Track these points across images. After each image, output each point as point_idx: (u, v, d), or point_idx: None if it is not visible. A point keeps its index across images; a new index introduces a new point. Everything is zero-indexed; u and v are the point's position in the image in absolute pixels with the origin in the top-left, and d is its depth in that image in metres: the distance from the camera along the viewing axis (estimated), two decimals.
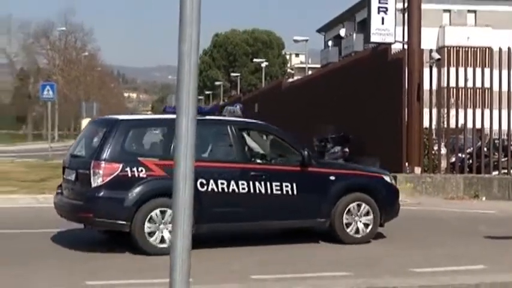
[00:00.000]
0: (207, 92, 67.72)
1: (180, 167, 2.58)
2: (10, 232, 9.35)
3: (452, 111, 15.95)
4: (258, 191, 8.85)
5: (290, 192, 8.95)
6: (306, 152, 9.07)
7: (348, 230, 9.13)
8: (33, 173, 19.90)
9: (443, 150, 16.37)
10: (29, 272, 6.89)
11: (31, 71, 60.60)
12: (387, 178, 10.22)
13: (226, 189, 8.53)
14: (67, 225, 8.91)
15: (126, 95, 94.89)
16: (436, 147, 16.34)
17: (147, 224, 8.26)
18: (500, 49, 15.92)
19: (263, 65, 56.55)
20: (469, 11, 40.76)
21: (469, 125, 16.13)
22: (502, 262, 7.84)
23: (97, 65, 68.55)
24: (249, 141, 9.63)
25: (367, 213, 9.29)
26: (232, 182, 8.60)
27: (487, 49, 16.66)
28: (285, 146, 9.66)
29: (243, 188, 8.63)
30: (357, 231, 9.15)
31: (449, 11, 40.56)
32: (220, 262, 7.60)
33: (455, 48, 19.95)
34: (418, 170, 15.43)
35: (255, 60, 61.77)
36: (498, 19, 38.01)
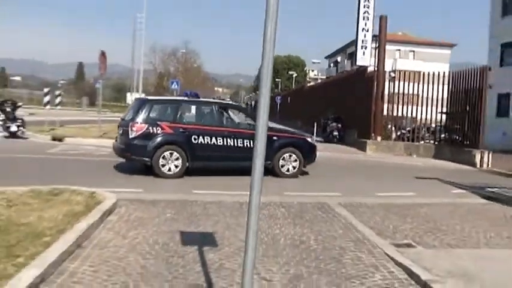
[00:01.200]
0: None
1: (259, 129, 3.40)
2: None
3: (399, 106, 22.55)
4: (229, 144, 12.24)
5: (249, 145, 12.13)
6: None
7: (283, 170, 12.81)
8: None
9: (393, 128, 22.94)
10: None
11: (165, 74, 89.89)
12: (309, 139, 13.91)
13: (209, 142, 12.11)
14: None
15: (215, 89, 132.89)
16: (389, 126, 23.01)
17: (161, 160, 11.72)
18: (428, 73, 22.62)
19: (294, 75, 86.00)
20: (410, 50, 56.72)
21: (408, 114, 22.80)
22: (425, 191, 11.45)
23: (201, 71, 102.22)
24: (226, 114, 13.18)
25: (295, 160, 12.93)
26: (213, 138, 12.13)
27: (420, 72, 23.17)
28: (248, 118, 13.43)
29: (220, 142, 12.17)
30: (288, 170, 12.88)
31: (399, 50, 59.94)
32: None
33: (403, 71, 24.24)
34: (379, 138, 22.15)
35: (289, 72, 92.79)
36: (427, 56, 53.09)
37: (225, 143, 12.27)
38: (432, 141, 23.02)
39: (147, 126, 11.80)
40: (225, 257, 5.80)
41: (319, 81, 58.60)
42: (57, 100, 24.83)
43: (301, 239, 6.88)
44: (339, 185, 12.43)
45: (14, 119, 19.90)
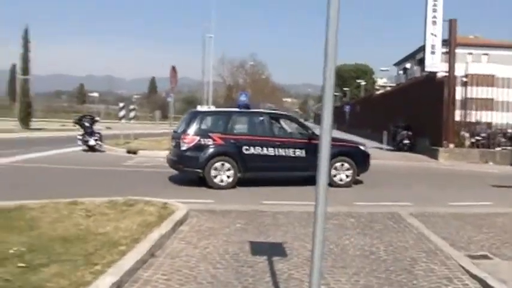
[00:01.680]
0: None
1: (323, 139, 3.47)
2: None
3: (473, 112, 22.05)
4: (280, 154, 12.24)
5: (301, 155, 12.27)
6: (311, 131, 12.76)
7: (335, 179, 12.55)
8: None
9: (467, 134, 22.12)
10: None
11: (234, 85, 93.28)
12: (362, 147, 13.64)
13: (260, 152, 12.13)
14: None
15: (284, 99, 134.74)
16: (462, 133, 22.18)
17: (212, 171, 11.82)
18: (501, 76, 22.41)
19: (362, 84, 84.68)
20: (483, 53, 55.12)
21: (483, 120, 22.17)
22: (502, 200, 10.93)
23: (269, 82, 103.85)
24: (277, 124, 13.25)
25: (347, 169, 12.76)
26: (264, 148, 12.16)
27: (493, 76, 22.66)
28: (300, 127, 13.34)
29: (271, 152, 12.19)
30: (341, 179, 12.69)
31: (471, 53, 57.77)
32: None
33: (475, 75, 23.66)
34: (452, 145, 21.40)
35: (357, 80, 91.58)
36: (502, 59, 51.32)
37: (277, 153, 12.26)
38: (509, 148, 22.05)
39: (198, 138, 11.97)
40: (293, 267, 5.83)
41: (388, 88, 57.48)
42: (132, 114, 25.77)
43: (371, 249, 6.80)
44: (410, 194, 12.18)
45: (92, 133, 20.85)
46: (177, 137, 12.42)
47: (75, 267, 5.13)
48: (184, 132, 12.13)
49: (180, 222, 7.76)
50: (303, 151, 12.37)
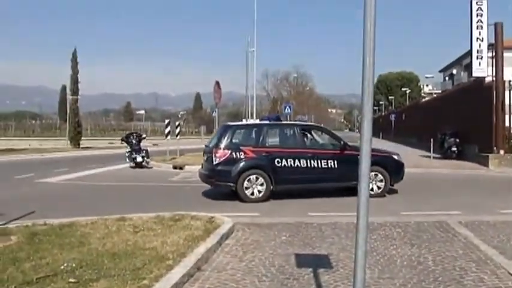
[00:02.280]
0: (375, 108, 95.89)
1: (363, 149, 3.50)
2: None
3: None
4: (312, 166, 12.14)
5: (333, 166, 12.23)
6: (343, 142, 12.71)
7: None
8: None
9: None
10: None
11: (278, 98, 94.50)
12: (395, 157, 13.49)
13: (292, 165, 12.09)
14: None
15: (329, 110, 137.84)
16: None
17: (245, 184, 11.82)
18: None
19: (407, 91, 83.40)
20: None
21: None
22: None
23: (313, 94, 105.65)
24: (309, 135, 13.16)
25: (380, 180, 12.55)
26: (296, 160, 12.10)
27: None
28: (331, 138, 13.36)
29: (303, 164, 12.09)
30: (372, 190, 12.14)
31: None
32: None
33: None
34: (502, 151, 20.93)
35: (402, 89, 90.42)
36: None
37: (309, 165, 12.16)
38: None
39: (230, 151, 11.98)
40: (339, 279, 5.80)
41: (434, 95, 56.50)
42: (177, 130, 26.20)
43: (418, 259, 6.70)
44: (459, 203, 11.87)
45: (139, 150, 21.32)
46: (208, 152, 12.48)
47: (124, 282, 5.26)
48: (216, 146, 12.18)
49: (226, 236, 7.84)
50: (335, 162, 12.34)
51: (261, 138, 12.39)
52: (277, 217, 9.79)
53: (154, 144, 35.18)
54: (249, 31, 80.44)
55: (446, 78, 77.25)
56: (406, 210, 10.70)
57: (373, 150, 11.67)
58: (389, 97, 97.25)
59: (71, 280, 5.29)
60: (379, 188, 12.64)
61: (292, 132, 12.95)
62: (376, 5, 3.44)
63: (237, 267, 6.31)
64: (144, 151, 21.48)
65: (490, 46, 22.46)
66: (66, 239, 7.18)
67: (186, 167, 20.75)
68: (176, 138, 26.13)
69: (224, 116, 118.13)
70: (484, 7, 22.28)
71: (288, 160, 12.11)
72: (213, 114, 26.64)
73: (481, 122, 22.04)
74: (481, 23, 22.27)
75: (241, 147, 12.09)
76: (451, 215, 9.91)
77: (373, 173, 12.36)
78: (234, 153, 11.96)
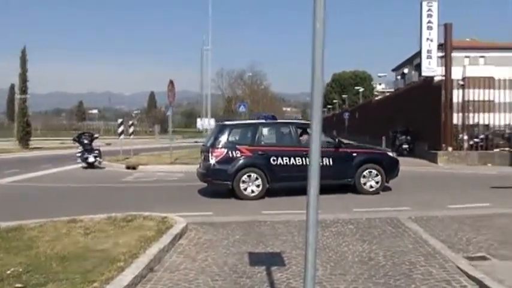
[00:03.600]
0: (329, 107, 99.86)
1: (313, 147, 3.54)
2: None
3: (470, 114, 21.71)
4: (306, 164, 15.01)
5: (328, 163, 12.15)
6: (337, 140, 13.14)
7: (365, 187, 12.69)
8: None
9: (466, 137, 21.87)
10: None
11: (233, 97, 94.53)
12: (390, 153, 13.96)
13: (288, 163, 12.22)
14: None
15: (284, 109, 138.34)
16: (461, 135, 21.99)
17: (241, 183, 11.97)
18: (497, 78, 22.18)
19: (360, 90, 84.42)
20: (480, 56, 54.61)
21: (481, 122, 21.81)
22: (500, 202, 10.91)
23: (268, 92, 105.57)
24: (303, 133, 13.00)
25: (376, 176, 12.75)
26: (291, 158, 12.22)
27: (491, 78, 22.37)
28: (326, 136, 12.98)
29: (298, 162, 12.18)
30: (370, 187, 12.73)
31: (468, 56, 57.76)
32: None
33: (472, 78, 23.58)
34: (450, 148, 21.35)
35: (356, 87, 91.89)
36: (499, 60, 51.22)
37: (304, 163, 12.08)
38: (508, 149, 21.95)
39: (226, 150, 12.06)
40: (292, 276, 5.84)
41: (387, 94, 57.73)
42: (131, 130, 25.82)
43: (369, 255, 6.81)
44: (409, 199, 12.12)
45: (91, 150, 20.89)
46: (205, 151, 12.54)
47: (73, 286, 5.15)
48: (212, 145, 12.26)
49: (179, 236, 7.78)
50: (330, 159, 12.41)
51: (256, 137, 12.49)
52: (231, 216, 9.77)
53: (107, 144, 34.56)
54: (204, 29, 79.97)
55: (398, 77, 79.22)
56: (357, 207, 10.84)
57: (367, 147, 12.80)
58: (343, 96, 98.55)
59: (18, 285, 5.14)
60: (376, 183, 12.86)
61: (287, 130, 13.03)
62: (326, 5, 3.46)
63: (190, 267, 6.27)
64: (96, 151, 21.06)
65: (440, 46, 22.96)
66: (13, 243, 6.97)
67: (140, 166, 20.48)
68: (130, 138, 25.74)
69: (179, 115, 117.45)
70: (434, 8, 22.74)
71: (284, 158, 12.23)
72: (167, 114, 26.33)
73: (431, 120, 22.50)
74: (431, 24, 22.69)
75: (237, 146, 12.18)
76: (401, 211, 10.10)
77: (368, 171, 12.75)
78: (230, 152, 12.07)
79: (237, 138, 12.55)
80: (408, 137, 24.45)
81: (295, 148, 12.41)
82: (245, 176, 12.02)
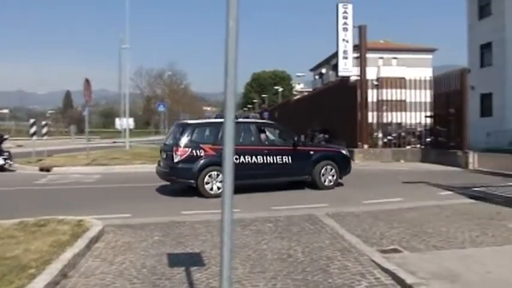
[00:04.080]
0: (248, 106, 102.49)
1: (226, 148, 3.50)
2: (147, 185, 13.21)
3: (384, 113, 23.14)
4: (268, 161, 12.81)
5: (288, 161, 12.95)
6: (296, 138, 13.82)
7: (325, 183, 13.44)
8: (154, 152, 25.47)
9: (380, 135, 23.29)
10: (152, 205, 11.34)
11: (153, 96, 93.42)
12: (344, 151, 14.57)
13: (250, 161, 12.62)
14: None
15: (204, 108, 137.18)
16: (376, 134, 23.34)
17: (205, 181, 12.17)
18: (410, 78, 23.25)
19: (279, 90, 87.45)
20: (393, 57, 56.97)
21: (394, 120, 23.26)
22: (412, 196, 11.56)
23: (188, 91, 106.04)
24: (262, 132, 13.71)
25: (332, 173, 13.58)
26: (253, 156, 12.66)
27: (403, 79, 23.96)
28: (285, 135, 14.18)
29: (260, 160, 12.71)
30: (329, 181, 13.48)
31: (382, 57, 60.27)
32: (252, 201, 11.26)
33: (385, 78, 25.79)
34: (366, 146, 22.48)
35: (275, 87, 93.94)
36: (410, 62, 53.76)
37: (265, 161, 12.77)
38: (419, 146, 23.22)
39: (190, 149, 12.25)
40: (211, 276, 5.82)
41: (305, 94, 59.08)
42: (44, 130, 24.78)
43: (288, 252, 6.90)
44: (326, 195, 12.44)
45: (1, 152, 19.81)
46: (168, 149, 12.67)
47: None
48: (176, 144, 12.37)
49: (96, 239, 7.55)
50: (289, 157, 13.05)
51: (219, 136, 12.27)
52: (150, 217, 9.58)
53: (18, 146, 33.00)
54: (122, 28, 78.10)
55: (316, 77, 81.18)
56: (276, 205, 10.98)
57: (326, 146, 14.28)
58: (263, 95, 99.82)
59: None
60: (333, 176, 13.62)
61: (248, 129, 13.29)
62: (240, 3, 3.46)
63: (106, 271, 6.09)
64: (6, 153, 19.98)
65: (355, 47, 23.89)
66: None
67: (54, 168, 19.70)
68: (43, 139, 24.70)
69: (97, 115, 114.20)
70: (350, 10, 23.66)
71: (246, 157, 12.54)
72: (84, 113, 25.51)
73: (348, 118, 23.24)
74: (346, 25, 23.71)
75: (200, 145, 12.37)
76: (319, 208, 10.33)
77: (325, 167, 13.53)
78: (194, 151, 12.25)
79: (200, 137, 12.73)
80: (326, 136, 24.93)
81: (257, 147, 12.92)
82: (209, 174, 12.21)
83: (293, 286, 5.55)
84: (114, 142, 46.97)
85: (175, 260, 6.51)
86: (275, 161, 12.94)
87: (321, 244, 7.31)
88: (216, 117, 14.30)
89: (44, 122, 25.47)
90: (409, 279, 5.45)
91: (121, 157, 24.36)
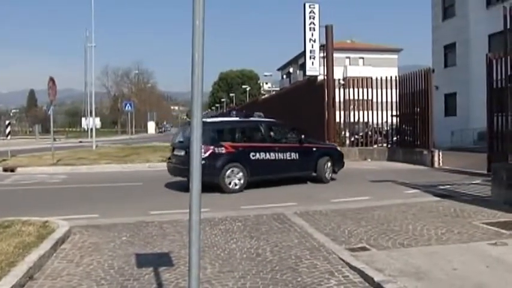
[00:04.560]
0: (216, 105, 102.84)
1: (194, 146, 3.47)
2: (118, 185, 15.08)
3: (352, 113, 23.36)
4: (280, 158, 13.71)
5: (295, 158, 13.97)
6: (302, 136, 14.61)
7: (327, 176, 14.67)
8: (121, 152, 27.15)
9: (347, 134, 23.66)
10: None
11: (119, 95, 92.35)
12: (338, 148, 16.18)
13: (264, 158, 13.48)
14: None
15: (171, 107, 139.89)
16: (343, 133, 23.72)
17: (226, 177, 12.81)
18: (376, 78, 23.42)
19: (247, 89, 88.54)
20: (359, 57, 57.46)
21: (361, 119, 23.41)
22: (379, 194, 11.66)
23: (155, 91, 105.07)
24: (272, 131, 14.65)
25: (330, 167, 14.69)
26: (267, 153, 13.54)
27: (369, 78, 23.85)
28: (291, 133, 15.04)
29: (272, 156, 13.59)
30: (328, 176, 14.67)
31: (349, 57, 60.16)
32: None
33: (352, 78, 25.63)
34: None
35: (243, 86, 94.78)
36: (376, 61, 54.56)
37: (276, 157, 13.65)
38: (385, 145, 23.52)
39: (213, 147, 12.76)
40: (180, 276, 5.78)
41: (273, 93, 59.33)
42: (8, 130, 24.26)
43: (257, 251, 6.91)
44: (295, 194, 12.52)
45: None
46: (182, 147, 13.20)
47: None
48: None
49: (62, 240, 7.42)
50: (297, 154, 14.09)
51: (237, 134, 13.56)
52: (117, 217, 9.47)
53: None
54: (87, 25, 76.96)
55: (284, 76, 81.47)
56: (245, 204, 10.99)
57: (322, 143, 17.02)
58: (231, 94, 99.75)
59: None
60: (329, 175, 14.85)
61: (260, 128, 14.16)
62: (206, 3, 3.47)
63: (73, 273, 6.00)
64: None
65: (322, 47, 24.08)
66: None
67: (19, 169, 19.31)
68: (7, 139, 24.16)
69: (62, 114, 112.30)
70: (316, 10, 23.82)
71: (261, 153, 13.39)
72: (49, 113, 25.04)
73: (315, 117, 23.43)
74: (313, 25, 23.87)
75: (222, 143, 12.98)
76: (287, 207, 10.36)
77: (328, 163, 14.75)
78: (216, 149, 12.78)
79: (220, 135, 13.38)
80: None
81: (269, 144, 13.75)
82: (230, 171, 12.83)
83: (262, 285, 5.55)
84: (81, 142, 46.25)
85: (143, 261, 6.45)
86: (285, 157, 13.85)
87: (290, 243, 7.33)
88: (232, 115, 15.21)
89: (7, 122, 24.93)
90: (377, 277, 5.52)
91: (87, 157, 24.09)
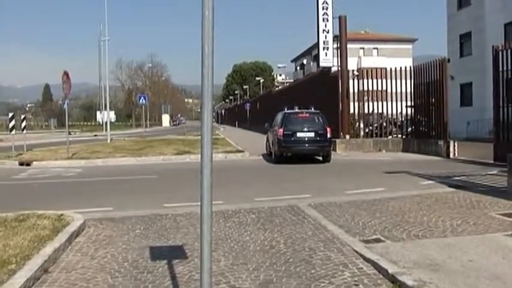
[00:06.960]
0: (230, 98, 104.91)
1: (204, 138, 3.58)
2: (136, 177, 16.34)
3: (366, 103, 23.32)
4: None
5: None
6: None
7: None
8: (136, 145, 27.46)
9: (362, 125, 23.58)
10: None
11: (133, 89, 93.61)
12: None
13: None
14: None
15: (186, 100, 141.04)
16: (357, 124, 23.64)
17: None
18: (390, 68, 23.45)
19: (261, 81, 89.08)
20: (373, 48, 56.76)
21: (375, 110, 23.40)
22: (394, 186, 11.67)
23: (169, 83, 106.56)
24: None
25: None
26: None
27: (383, 69, 23.88)
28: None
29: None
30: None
31: (363, 48, 59.59)
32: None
33: (366, 68, 25.68)
34: (348, 136, 22.76)
35: (257, 78, 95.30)
36: (391, 52, 53.87)
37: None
38: (400, 135, 23.39)
39: (329, 129, 18.77)
40: (193, 269, 5.77)
41: (287, 84, 59.22)
42: (23, 124, 24.47)
43: (271, 243, 6.89)
44: (309, 186, 12.46)
45: None
46: (309, 130, 18.47)
47: None
48: (279, 126, 18.62)
49: (77, 233, 7.46)
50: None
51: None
52: (131, 210, 9.51)
53: None
54: (101, 19, 77.24)
55: (298, 67, 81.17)
56: (258, 196, 10.97)
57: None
58: (244, 86, 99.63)
59: None
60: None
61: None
62: None
63: (88, 266, 6.03)
64: None
65: (336, 38, 23.94)
66: None
67: (34, 163, 19.47)
68: (23, 133, 24.38)
69: (77, 108, 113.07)
70: (329, 1, 23.61)
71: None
72: (64, 107, 25.22)
73: (329, 109, 23.25)
74: (326, 16, 23.72)
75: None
76: (301, 199, 10.33)
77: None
78: (330, 129, 18.94)
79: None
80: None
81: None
82: None
83: (276, 277, 5.53)
84: (95, 135, 46.56)
85: (157, 253, 6.46)
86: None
87: (304, 235, 7.30)
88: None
89: (23, 116, 25.12)
90: (391, 269, 5.47)
91: (102, 150, 24.19)
